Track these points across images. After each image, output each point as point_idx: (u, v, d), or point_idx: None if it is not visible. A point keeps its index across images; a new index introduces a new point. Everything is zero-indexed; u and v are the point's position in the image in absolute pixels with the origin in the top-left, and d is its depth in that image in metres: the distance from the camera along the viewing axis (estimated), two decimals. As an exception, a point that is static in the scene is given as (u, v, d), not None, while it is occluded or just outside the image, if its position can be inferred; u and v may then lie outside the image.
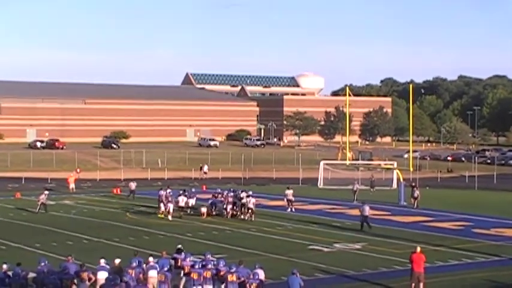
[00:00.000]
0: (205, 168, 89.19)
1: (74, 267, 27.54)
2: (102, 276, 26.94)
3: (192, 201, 53.07)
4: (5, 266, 26.51)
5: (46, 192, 56.30)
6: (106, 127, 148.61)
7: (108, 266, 27.85)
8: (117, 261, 27.67)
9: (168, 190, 52.72)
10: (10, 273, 26.30)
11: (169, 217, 50.03)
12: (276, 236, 43.52)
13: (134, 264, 26.98)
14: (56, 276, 26.03)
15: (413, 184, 62.60)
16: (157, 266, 27.48)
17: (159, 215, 50.94)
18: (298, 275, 26.50)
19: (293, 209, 54.44)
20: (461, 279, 31.89)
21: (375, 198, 64.92)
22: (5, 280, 25.19)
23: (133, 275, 26.36)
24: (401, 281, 30.86)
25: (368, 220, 47.01)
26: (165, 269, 27.09)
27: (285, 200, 55.66)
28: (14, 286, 25.53)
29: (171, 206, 50.62)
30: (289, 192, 55.71)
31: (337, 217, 52.02)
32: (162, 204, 51.19)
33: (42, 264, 27.31)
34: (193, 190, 55.68)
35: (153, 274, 27.10)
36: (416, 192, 58.51)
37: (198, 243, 39.76)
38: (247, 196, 51.11)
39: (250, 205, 50.38)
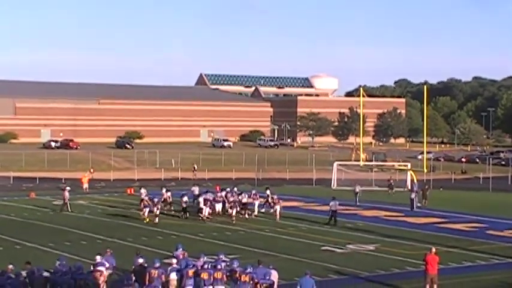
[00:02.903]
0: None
1: (112, 261, 28.96)
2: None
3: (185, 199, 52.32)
4: (10, 266, 26.65)
5: (68, 188, 56.72)
6: (120, 127, 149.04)
7: (106, 263, 28.46)
8: (141, 260, 27.80)
9: (143, 190, 52.39)
10: (22, 272, 26.43)
11: (144, 219, 48.88)
12: (289, 237, 43.52)
13: (157, 265, 27.06)
14: (69, 276, 26.13)
15: (417, 188, 61.98)
16: (178, 267, 27.65)
17: (146, 220, 49.02)
18: (310, 276, 26.44)
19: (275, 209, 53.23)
20: (475, 281, 31.82)
21: (388, 199, 64.89)
22: (7, 280, 25.20)
23: (155, 275, 26.45)
24: (414, 282, 30.83)
25: (336, 215, 48.64)
26: (191, 265, 27.24)
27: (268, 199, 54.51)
28: (37, 285, 25.65)
29: (146, 210, 49.28)
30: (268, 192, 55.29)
31: (350, 218, 51.94)
32: (146, 208, 49.57)
33: (59, 263, 27.48)
34: (183, 192, 53.85)
35: (173, 276, 27.26)
36: (413, 194, 58.11)
37: (211, 244, 39.80)
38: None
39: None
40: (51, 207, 56.71)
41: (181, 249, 30.71)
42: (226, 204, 51.45)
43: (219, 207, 52.02)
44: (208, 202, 50.68)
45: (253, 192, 54.34)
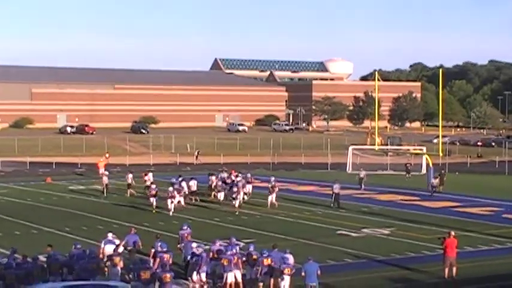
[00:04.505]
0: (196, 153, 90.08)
1: (135, 238, 30.19)
2: (108, 250, 28.55)
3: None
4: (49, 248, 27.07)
5: (107, 172, 56.94)
6: (135, 112, 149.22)
7: (116, 241, 29.24)
8: (159, 244, 28.08)
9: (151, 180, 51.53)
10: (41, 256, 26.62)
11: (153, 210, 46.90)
12: (304, 221, 43.59)
13: (165, 249, 27.36)
14: (85, 261, 26.29)
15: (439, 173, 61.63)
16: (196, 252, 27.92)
17: (154, 211, 46.88)
18: (313, 260, 26.24)
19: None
20: (491, 265, 31.80)
21: (404, 183, 64.78)
22: (13, 265, 25.38)
23: (167, 259, 26.69)
24: (430, 266, 30.86)
25: (338, 198, 48.94)
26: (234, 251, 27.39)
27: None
28: (53, 269, 25.84)
29: (154, 200, 47.29)
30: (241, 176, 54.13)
31: (366, 202, 51.99)
32: (153, 198, 47.33)
33: (78, 247, 27.86)
34: (176, 179, 52.08)
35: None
36: (433, 180, 57.24)
37: (227, 228, 39.93)
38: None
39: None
40: (88, 193, 57.02)
41: (186, 227, 31.50)
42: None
43: (220, 195, 50.22)
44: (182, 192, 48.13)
45: (249, 175, 53.11)
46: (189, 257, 27.93)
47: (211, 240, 30.08)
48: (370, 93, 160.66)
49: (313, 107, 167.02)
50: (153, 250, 28.17)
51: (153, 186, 48.38)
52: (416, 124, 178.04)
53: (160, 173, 66.96)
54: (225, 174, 54.04)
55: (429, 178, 61.22)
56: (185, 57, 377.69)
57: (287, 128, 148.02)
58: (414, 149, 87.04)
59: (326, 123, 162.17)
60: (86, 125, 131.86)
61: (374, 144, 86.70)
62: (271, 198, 49.11)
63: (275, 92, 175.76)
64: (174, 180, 51.15)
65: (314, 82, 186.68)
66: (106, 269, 26.86)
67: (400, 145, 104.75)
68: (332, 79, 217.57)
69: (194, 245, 28.36)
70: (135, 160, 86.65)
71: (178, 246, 30.74)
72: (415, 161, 76.12)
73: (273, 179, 51.51)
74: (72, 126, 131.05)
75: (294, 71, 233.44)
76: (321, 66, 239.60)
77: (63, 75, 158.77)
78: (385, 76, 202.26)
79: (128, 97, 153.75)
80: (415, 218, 44.38)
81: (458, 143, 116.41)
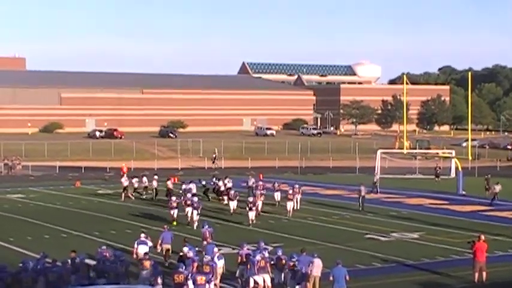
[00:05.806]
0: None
1: (170, 235, 31.59)
2: (141, 250, 29.14)
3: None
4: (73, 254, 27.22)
5: (156, 176, 57.57)
6: (163, 117, 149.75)
7: (149, 242, 29.99)
8: (185, 249, 28.09)
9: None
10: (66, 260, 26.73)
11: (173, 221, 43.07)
12: (332, 225, 43.47)
13: (194, 252, 27.57)
14: (116, 265, 26.35)
15: (487, 177, 60.62)
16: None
17: (174, 223, 42.86)
18: (342, 265, 26.00)
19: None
20: (522, 269, 31.50)
21: (433, 187, 64.42)
22: (28, 269, 25.38)
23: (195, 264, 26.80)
24: (460, 270, 30.62)
25: (364, 201, 49.48)
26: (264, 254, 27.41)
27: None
28: (81, 272, 25.94)
29: (175, 212, 43.79)
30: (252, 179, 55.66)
31: (394, 206, 51.72)
32: (174, 210, 43.84)
33: (103, 248, 28.05)
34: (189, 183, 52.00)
35: (220, 264, 27.66)
36: (495, 187, 53.74)
37: (255, 232, 39.88)
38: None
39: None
40: (116, 197, 57.29)
41: (207, 226, 32.78)
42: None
43: (233, 205, 47.47)
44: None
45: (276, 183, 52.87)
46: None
47: (239, 244, 30.05)
48: (398, 97, 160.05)
49: (341, 111, 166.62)
50: (181, 254, 28.19)
51: (174, 198, 45.21)
52: (445, 128, 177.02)
53: (189, 177, 66.96)
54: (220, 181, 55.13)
55: (459, 182, 60.90)
56: (213, 62, 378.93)
57: (315, 132, 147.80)
58: (443, 153, 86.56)
59: (354, 127, 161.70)
60: (115, 130, 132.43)
61: (402, 148, 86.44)
62: (290, 205, 47.12)
63: (303, 96, 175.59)
64: (185, 186, 51.16)
65: (342, 86, 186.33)
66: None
67: (429, 148, 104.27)
68: (360, 83, 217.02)
69: (216, 249, 28.30)
70: (163, 164, 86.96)
71: (197, 249, 30.72)
72: (444, 165, 75.64)
73: (296, 186, 50.19)
74: (101, 131, 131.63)
75: (322, 75, 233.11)
76: (349, 70, 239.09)
77: (92, 80, 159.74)
78: (414, 79, 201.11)
79: (156, 101, 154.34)
80: (444, 222, 44.09)
81: (487, 147, 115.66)
